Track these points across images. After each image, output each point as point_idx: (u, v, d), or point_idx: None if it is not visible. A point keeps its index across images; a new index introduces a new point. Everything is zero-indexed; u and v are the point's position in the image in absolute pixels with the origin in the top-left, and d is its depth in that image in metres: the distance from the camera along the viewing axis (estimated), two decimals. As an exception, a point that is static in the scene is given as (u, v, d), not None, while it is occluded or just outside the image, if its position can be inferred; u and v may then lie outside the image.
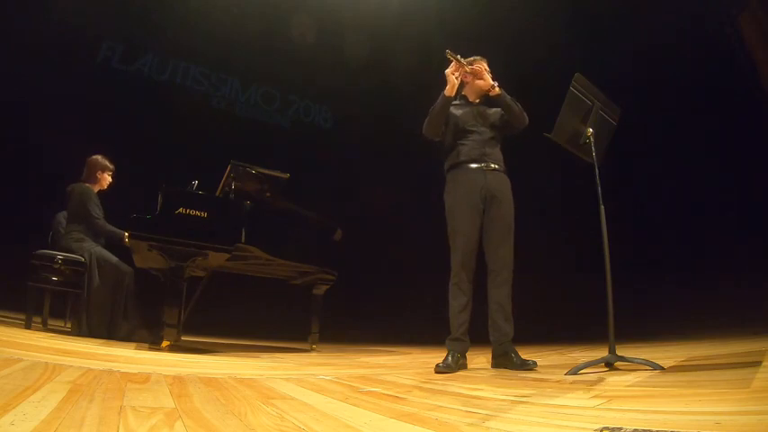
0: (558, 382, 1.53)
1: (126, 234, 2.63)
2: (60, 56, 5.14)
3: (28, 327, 2.76)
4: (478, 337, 2.21)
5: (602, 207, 1.82)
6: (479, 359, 2.44)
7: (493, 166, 2.22)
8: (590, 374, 1.62)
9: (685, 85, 4.88)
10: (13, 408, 0.82)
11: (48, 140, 4.53)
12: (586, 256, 3.01)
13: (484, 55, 2.37)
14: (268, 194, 3.33)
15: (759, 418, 0.80)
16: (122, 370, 1.47)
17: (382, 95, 6.68)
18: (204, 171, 3.28)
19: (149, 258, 2.85)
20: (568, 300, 5.18)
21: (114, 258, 3.08)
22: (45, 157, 4.50)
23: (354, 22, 6.44)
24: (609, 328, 1.71)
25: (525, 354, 2.09)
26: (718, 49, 4.53)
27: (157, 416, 0.86)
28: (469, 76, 2.26)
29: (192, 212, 2.59)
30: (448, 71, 2.15)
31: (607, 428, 0.77)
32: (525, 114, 2.27)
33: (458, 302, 2.14)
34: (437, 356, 2.13)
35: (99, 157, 3.33)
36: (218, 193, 3.10)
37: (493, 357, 2.15)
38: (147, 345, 2.64)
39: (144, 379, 1.32)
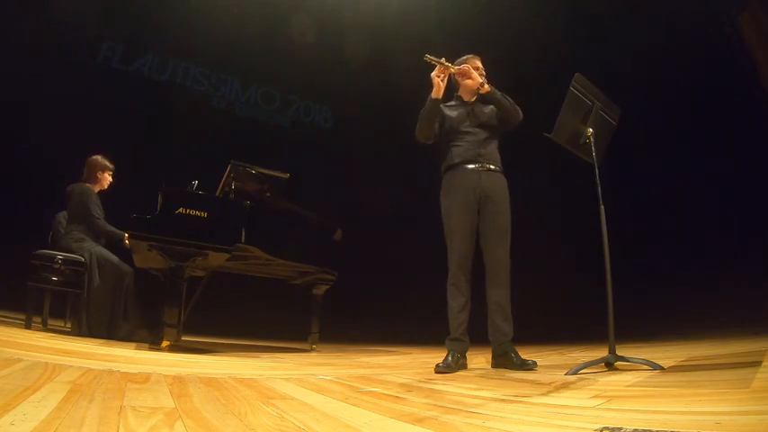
0: (558, 382, 1.53)
1: (126, 234, 2.64)
2: (60, 56, 5.14)
3: (28, 327, 2.76)
4: (478, 337, 2.21)
5: (602, 207, 1.82)
6: (479, 359, 2.44)
7: (488, 166, 2.22)
8: (590, 374, 1.62)
9: (685, 85, 4.88)
10: (13, 408, 0.82)
11: (48, 140, 4.53)
12: (586, 256, 3.01)
13: (480, 53, 2.37)
14: (268, 194, 3.33)
15: (759, 418, 0.80)
16: (122, 370, 1.47)
17: (382, 95, 6.68)
18: (204, 171, 3.28)
19: (149, 258, 2.85)
20: (568, 300, 5.18)
21: (114, 258, 3.08)
22: (45, 158, 4.50)
23: (354, 22, 6.44)
24: (609, 328, 1.71)
25: (525, 354, 2.09)
26: (718, 49, 4.53)
27: (157, 416, 0.86)
28: (459, 76, 2.25)
29: (192, 212, 2.59)
30: (433, 74, 2.14)
31: (607, 428, 0.77)
32: (518, 109, 2.26)
33: (456, 303, 2.14)
34: (437, 356, 2.13)
35: (99, 158, 3.33)
36: (218, 193, 3.10)
37: (493, 357, 2.15)
38: (147, 345, 2.64)
39: (144, 379, 1.32)
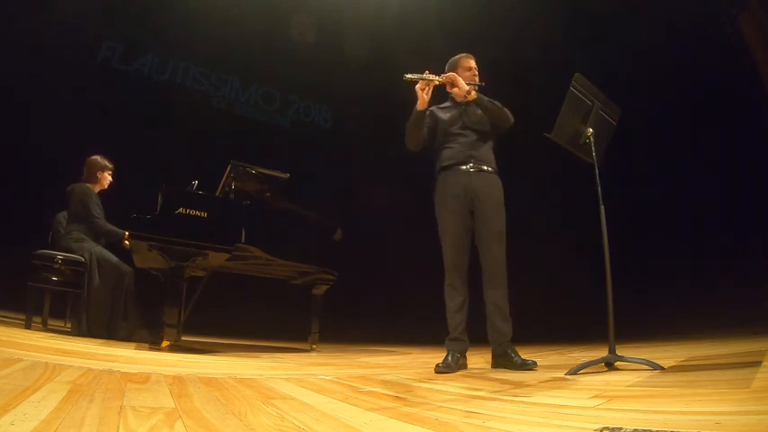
0: (557, 382, 1.53)
1: (126, 234, 2.63)
2: (60, 56, 5.14)
3: (28, 327, 2.76)
4: (478, 336, 2.21)
5: (602, 207, 1.82)
6: (479, 359, 2.44)
7: (480, 167, 2.22)
8: (590, 374, 1.62)
9: (685, 85, 4.88)
10: (13, 408, 0.82)
11: (48, 141, 4.53)
12: (586, 256, 3.01)
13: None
14: (268, 194, 3.33)
15: (759, 418, 0.80)
16: (122, 370, 1.47)
17: (382, 95, 6.68)
18: (204, 171, 3.28)
19: (149, 258, 2.85)
20: (568, 300, 5.18)
21: (114, 258, 3.08)
22: (45, 157, 4.50)
23: (354, 22, 6.44)
24: (609, 328, 1.71)
25: (525, 354, 2.09)
26: (718, 49, 4.52)
27: (157, 416, 0.86)
28: (447, 84, 2.24)
29: (192, 212, 2.59)
30: (417, 87, 2.14)
31: (607, 428, 0.77)
32: (506, 113, 2.26)
33: (453, 302, 2.15)
34: (437, 356, 2.13)
35: (98, 158, 3.33)
36: (218, 193, 3.10)
37: (493, 357, 2.15)
38: (147, 345, 2.64)
39: (144, 379, 1.32)
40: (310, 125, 7.49)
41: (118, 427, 0.76)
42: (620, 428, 0.76)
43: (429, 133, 2.33)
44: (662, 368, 1.56)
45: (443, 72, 2.27)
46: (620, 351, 1.70)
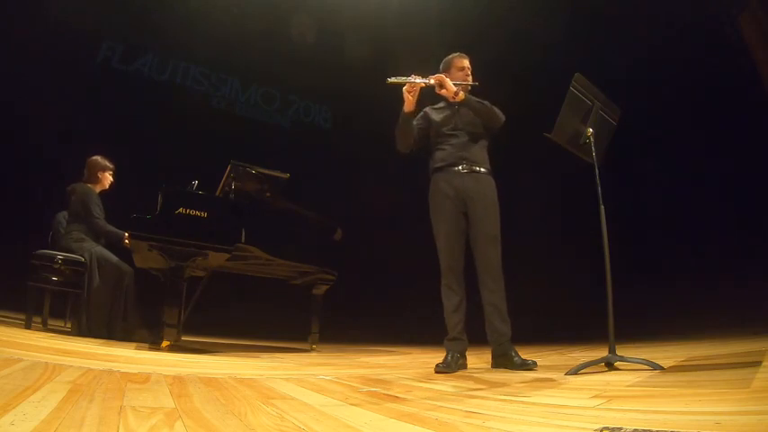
0: (558, 382, 1.53)
1: (126, 234, 2.63)
2: (60, 56, 5.14)
3: (28, 327, 2.76)
4: (478, 336, 2.21)
5: (602, 207, 1.83)
6: (479, 359, 2.44)
7: (471, 168, 2.22)
8: (590, 374, 1.62)
9: (685, 85, 4.88)
10: (13, 408, 0.82)
11: (48, 140, 4.53)
12: (586, 256, 3.01)
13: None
14: (268, 194, 3.33)
15: (759, 418, 0.80)
16: (122, 370, 1.47)
17: (382, 95, 6.67)
18: (204, 171, 3.28)
19: (149, 258, 2.85)
20: (568, 300, 5.17)
21: (114, 258, 3.08)
22: (45, 157, 4.50)
23: (354, 22, 6.44)
24: (609, 328, 1.71)
25: (525, 354, 2.09)
26: (718, 49, 4.52)
27: (157, 416, 0.86)
28: (436, 85, 2.23)
29: (192, 212, 2.59)
30: (404, 89, 2.15)
31: (607, 428, 0.77)
32: (496, 113, 2.25)
33: (450, 302, 2.16)
34: (437, 356, 2.14)
35: (98, 158, 3.33)
36: (218, 193, 3.10)
37: (493, 357, 2.15)
38: (147, 345, 2.64)
39: (144, 379, 1.32)
40: (310, 125, 7.48)
41: (118, 427, 0.76)
42: (620, 428, 0.76)
43: (422, 134, 2.34)
44: (662, 368, 1.56)
45: (438, 72, 2.27)
46: (620, 351, 1.70)
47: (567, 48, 5.27)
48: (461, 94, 2.19)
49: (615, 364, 1.69)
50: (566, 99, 1.90)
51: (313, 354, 3.14)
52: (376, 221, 6.28)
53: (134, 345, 2.63)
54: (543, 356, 2.55)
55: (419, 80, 2.13)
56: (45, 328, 3.08)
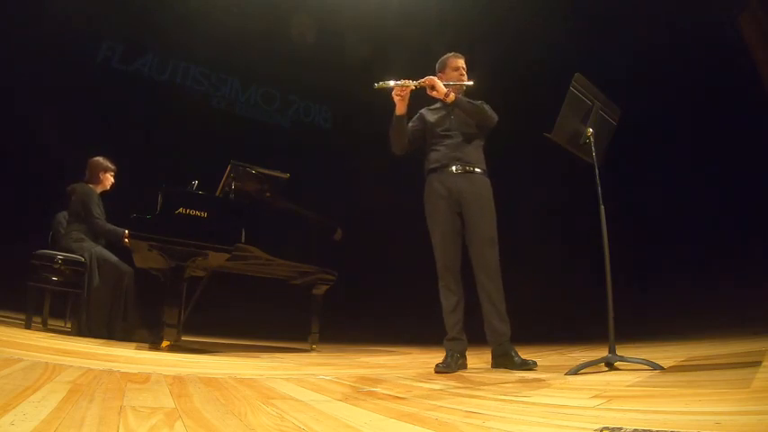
0: (558, 382, 1.53)
1: (126, 232, 2.63)
2: (60, 56, 5.14)
3: (28, 327, 2.76)
4: (478, 336, 2.21)
5: (603, 207, 1.83)
6: (479, 359, 2.44)
7: (465, 168, 2.22)
8: (590, 374, 1.62)
9: (685, 85, 4.88)
10: (13, 408, 0.82)
11: (48, 140, 4.53)
12: (586, 256, 3.01)
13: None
14: (268, 194, 3.33)
15: (759, 418, 0.80)
16: (122, 370, 1.47)
17: (382, 95, 6.67)
18: (204, 171, 3.28)
19: (149, 258, 2.85)
20: (568, 300, 5.17)
21: (114, 258, 3.08)
22: (45, 158, 4.50)
23: (354, 22, 6.44)
24: (609, 328, 1.71)
25: (525, 354, 2.09)
26: (719, 49, 4.52)
27: (157, 416, 0.86)
28: (427, 87, 2.23)
29: (192, 212, 2.59)
30: (394, 93, 2.15)
31: (607, 428, 0.77)
32: (487, 112, 2.24)
33: (448, 302, 2.16)
34: (437, 356, 2.14)
35: (100, 159, 3.34)
36: (218, 193, 3.10)
37: (493, 357, 2.15)
38: (147, 345, 2.64)
39: (144, 379, 1.32)
40: (310, 125, 7.48)
41: (118, 427, 0.76)
42: (620, 428, 0.76)
43: (418, 135, 2.35)
44: (662, 368, 1.56)
45: (434, 72, 2.26)
46: (620, 351, 1.70)
47: (566, 48, 5.27)
48: (451, 96, 2.18)
49: (615, 364, 1.69)
50: (566, 99, 1.90)
51: (313, 354, 3.14)
52: (376, 221, 6.28)
53: (134, 345, 2.63)
54: (543, 356, 2.55)
55: (409, 82, 2.14)
56: (45, 328, 3.08)
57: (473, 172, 2.23)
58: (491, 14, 5.86)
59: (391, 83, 2.13)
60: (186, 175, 3.16)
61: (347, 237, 3.64)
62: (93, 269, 2.97)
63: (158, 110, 5.76)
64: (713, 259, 4.58)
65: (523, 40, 5.67)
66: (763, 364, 1.44)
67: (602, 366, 1.71)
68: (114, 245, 3.15)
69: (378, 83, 2.12)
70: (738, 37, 4.28)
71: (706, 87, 4.73)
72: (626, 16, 5.14)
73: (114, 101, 5.46)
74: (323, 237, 3.44)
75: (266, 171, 3.16)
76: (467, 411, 1.03)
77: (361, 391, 1.34)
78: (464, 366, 2.11)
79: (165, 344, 2.46)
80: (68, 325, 3.21)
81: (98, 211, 3.17)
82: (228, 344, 3.51)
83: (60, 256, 2.94)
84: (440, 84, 2.18)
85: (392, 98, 2.16)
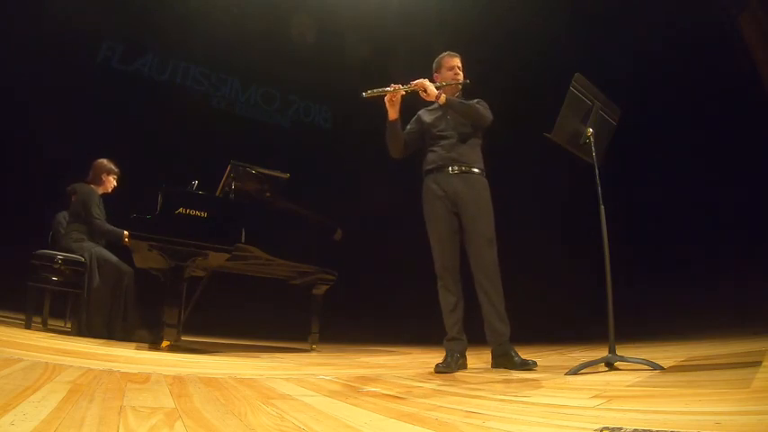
0: (558, 381, 1.53)
1: (126, 233, 2.63)
2: (60, 56, 5.14)
3: (28, 327, 2.76)
4: (478, 336, 2.21)
5: (602, 207, 1.82)
6: (479, 359, 2.44)
7: (462, 168, 2.22)
8: (590, 374, 1.62)
9: (685, 85, 4.88)
10: (13, 408, 0.82)
11: (47, 141, 4.53)
12: (586, 256, 3.01)
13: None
14: (268, 194, 3.33)
15: (759, 418, 0.80)
16: (122, 370, 1.47)
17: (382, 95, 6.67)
18: (204, 171, 3.28)
19: (149, 258, 2.85)
20: (568, 300, 5.17)
21: (114, 258, 3.09)
22: (45, 158, 4.50)
23: (354, 22, 6.44)
24: (609, 328, 1.71)
25: (525, 354, 2.09)
26: (719, 49, 4.52)
27: (157, 416, 0.86)
28: (419, 90, 2.22)
29: (192, 212, 2.59)
30: (386, 99, 2.16)
31: (607, 428, 0.77)
32: (480, 111, 2.22)
33: (447, 303, 2.16)
34: (437, 356, 2.14)
35: (105, 161, 3.35)
36: (218, 193, 3.10)
37: (493, 357, 2.15)
38: (147, 345, 2.64)
39: (144, 379, 1.32)
40: (310, 125, 7.49)
41: (118, 427, 0.76)
42: (620, 428, 0.76)
43: (416, 137, 2.35)
44: (662, 368, 1.56)
45: (431, 72, 2.26)
46: (620, 351, 1.70)
47: (566, 48, 5.27)
48: (442, 97, 2.17)
49: (615, 364, 1.69)
50: (566, 99, 1.90)
51: (313, 354, 3.14)
52: (376, 221, 6.28)
53: (134, 345, 2.63)
54: (543, 356, 2.55)
55: (399, 87, 2.14)
56: (45, 328, 3.08)
57: (470, 172, 2.23)
58: (491, 14, 5.86)
59: (381, 90, 2.13)
60: (186, 175, 3.16)
61: (347, 237, 3.64)
62: (93, 269, 2.98)
63: (158, 110, 5.75)
64: (713, 259, 4.58)
65: (523, 40, 5.67)
66: (763, 364, 1.44)
67: (603, 366, 1.71)
68: (114, 245, 3.15)
69: (366, 92, 2.12)
70: (738, 37, 4.28)
71: (706, 87, 4.73)
72: (626, 16, 5.14)
73: (114, 101, 5.46)
74: (323, 237, 3.44)
75: (266, 171, 3.16)
76: (467, 411, 1.03)
77: (361, 391, 1.34)
78: (464, 366, 2.11)
79: (165, 344, 2.46)
80: (68, 325, 3.21)
81: (98, 211, 3.17)
82: (228, 344, 3.51)
83: (60, 256, 2.94)
84: (431, 86, 2.17)
85: (384, 104, 2.16)
